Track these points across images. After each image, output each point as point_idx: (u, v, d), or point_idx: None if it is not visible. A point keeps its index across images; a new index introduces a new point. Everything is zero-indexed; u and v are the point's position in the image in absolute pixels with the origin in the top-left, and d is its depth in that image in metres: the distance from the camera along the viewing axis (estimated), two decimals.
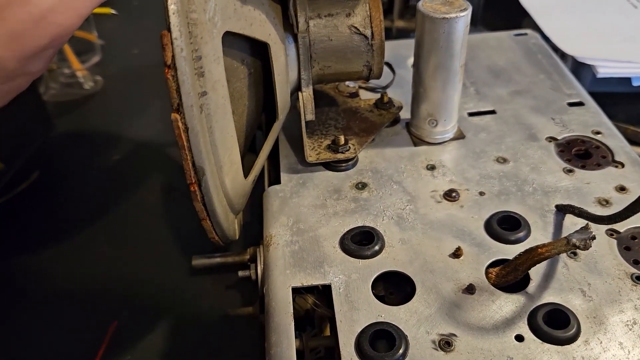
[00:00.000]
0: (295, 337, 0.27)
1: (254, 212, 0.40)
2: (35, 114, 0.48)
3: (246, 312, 0.33)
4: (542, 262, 0.29)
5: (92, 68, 0.60)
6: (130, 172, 0.49)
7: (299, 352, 0.27)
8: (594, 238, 0.27)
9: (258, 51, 0.30)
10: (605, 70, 0.50)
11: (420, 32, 0.34)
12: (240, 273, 0.33)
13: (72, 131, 0.53)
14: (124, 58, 0.63)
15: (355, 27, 0.31)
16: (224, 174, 0.28)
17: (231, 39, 0.27)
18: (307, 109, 0.33)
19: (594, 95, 0.45)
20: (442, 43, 0.33)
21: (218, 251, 0.36)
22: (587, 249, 0.27)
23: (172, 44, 0.22)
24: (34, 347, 0.36)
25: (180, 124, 0.23)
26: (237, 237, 0.34)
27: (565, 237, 0.27)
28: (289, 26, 0.31)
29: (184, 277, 0.39)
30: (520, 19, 0.61)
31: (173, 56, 0.22)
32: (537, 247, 0.27)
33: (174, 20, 0.21)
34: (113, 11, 0.58)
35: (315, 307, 0.30)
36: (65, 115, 0.55)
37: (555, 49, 0.54)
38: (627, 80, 0.52)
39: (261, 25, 0.28)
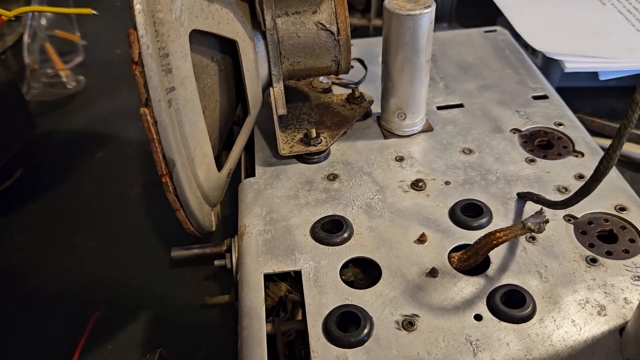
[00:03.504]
0: (268, 322, 0.28)
1: (233, 205, 0.41)
2: (18, 113, 0.49)
3: (222, 300, 0.34)
4: (503, 247, 0.31)
5: (74, 68, 0.61)
6: (112, 169, 0.50)
7: (271, 336, 0.28)
8: (547, 222, 0.28)
9: (227, 49, 0.31)
10: (572, 65, 0.52)
11: (388, 29, 0.35)
12: (217, 262, 0.34)
13: (55, 130, 0.54)
14: (107, 58, 0.64)
15: (322, 24, 0.32)
16: (196, 167, 0.29)
17: (200, 37, 0.29)
18: (279, 104, 0.35)
19: (563, 89, 0.47)
20: (408, 39, 0.35)
21: (196, 243, 0.37)
22: (541, 232, 0.28)
23: (138, 41, 0.23)
24: (17, 337, 0.37)
25: (149, 118, 0.25)
26: (214, 229, 0.35)
27: (521, 222, 0.28)
28: (257, 24, 0.32)
29: (164, 269, 0.40)
30: (495, 17, 0.63)
31: (140, 53, 0.23)
32: (496, 231, 0.29)
33: (139, 19, 0.22)
34: (94, 12, 0.59)
35: (287, 293, 0.31)
36: (48, 114, 0.56)
37: (527, 45, 0.56)
38: (595, 75, 0.53)
39: (229, 24, 0.29)
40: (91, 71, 0.62)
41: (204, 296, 0.38)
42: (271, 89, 0.35)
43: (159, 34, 0.24)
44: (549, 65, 0.55)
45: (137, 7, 0.22)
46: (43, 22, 0.59)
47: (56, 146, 0.53)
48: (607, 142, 0.49)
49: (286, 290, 0.31)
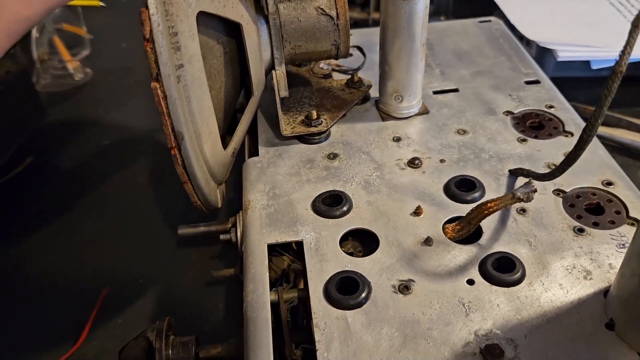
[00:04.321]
0: (272, 291, 0.30)
1: (237, 188, 0.43)
2: (29, 102, 0.51)
3: (227, 273, 0.36)
4: (494, 218, 0.32)
5: (81, 61, 0.63)
6: (119, 156, 0.52)
7: (275, 304, 0.30)
8: (535, 191, 0.30)
9: (232, 33, 0.33)
10: (565, 54, 0.53)
11: (385, 15, 0.37)
12: (222, 237, 0.35)
13: (64, 119, 0.56)
14: (113, 51, 0.66)
15: (322, 9, 0.34)
16: (203, 142, 0.31)
17: (206, 20, 0.30)
18: (281, 86, 0.36)
19: (557, 79, 0.48)
20: (404, 24, 0.36)
21: (203, 222, 0.39)
22: (530, 201, 0.30)
23: (149, 19, 0.25)
24: (28, 313, 0.38)
25: (159, 92, 0.26)
26: (220, 206, 0.36)
27: (511, 192, 0.30)
28: (260, 8, 0.34)
29: (172, 248, 0.42)
30: (491, 11, 0.65)
31: (151, 30, 0.25)
32: (487, 202, 0.31)
33: None
34: (101, 3, 0.61)
35: (291, 262, 0.33)
36: (57, 104, 0.57)
37: (522, 37, 0.57)
38: (588, 65, 0.55)
39: (234, 7, 0.31)
40: (98, 64, 0.63)
41: (210, 274, 0.39)
42: (274, 71, 0.36)
43: (168, 13, 0.26)
44: (543, 56, 0.56)
45: None
46: (51, 16, 0.61)
47: (65, 135, 0.55)
48: (600, 129, 0.51)
49: (289, 261, 0.33)
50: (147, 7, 0.25)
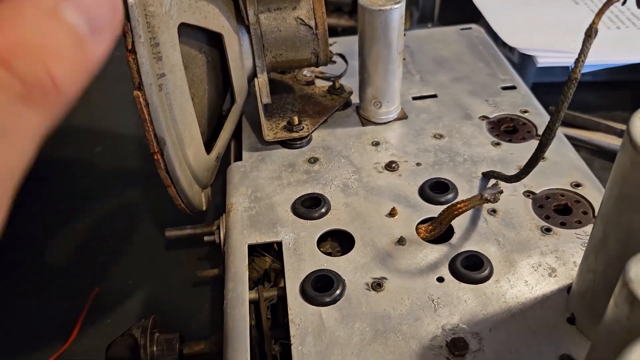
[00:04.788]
0: (253, 290, 0.31)
1: (224, 192, 0.45)
2: None
3: (212, 273, 0.37)
4: (466, 219, 0.34)
5: None
6: (110, 160, 0.53)
7: (255, 302, 0.31)
8: (501, 192, 0.31)
9: (214, 42, 0.34)
10: (544, 60, 0.55)
11: (362, 24, 0.39)
12: (206, 238, 0.37)
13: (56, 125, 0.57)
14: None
15: (301, 19, 0.36)
16: (186, 147, 0.32)
17: (189, 31, 0.32)
18: (263, 93, 0.38)
19: (539, 85, 0.50)
20: (380, 32, 0.38)
21: (191, 224, 0.40)
22: (496, 201, 0.31)
23: (131, 32, 0.26)
24: (20, 312, 0.40)
25: (141, 100, 0.28)
26: (204, 208, 0.38)
27: (480, 193, 0.32)
28: (241, 19, 0.35)
29: (160, 250, 0.43)
30: (478, 18, 0.66)
31: (133, 42, 0.26)
32: (457, 202, 0.32)
33: (132, 12, 0.26)
34: None
35: (272, 263, 0.34)
36: None
37: (505, 44, 0.59)
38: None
39: (215, 18, 0.33)
40: None
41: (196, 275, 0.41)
42: (256, 79, 0.38)
43: (150, 25, 0.27)
44: (524, 63, 0.58)
45: (130, 1, 0.25)
46: None
47: (57, 139, 0.56)
48: (577, 132, 0.52)
49: (271, 262, 0.34)
50: (129, 20, 0.26)
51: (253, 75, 0.38)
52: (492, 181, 0.35)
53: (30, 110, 0.14)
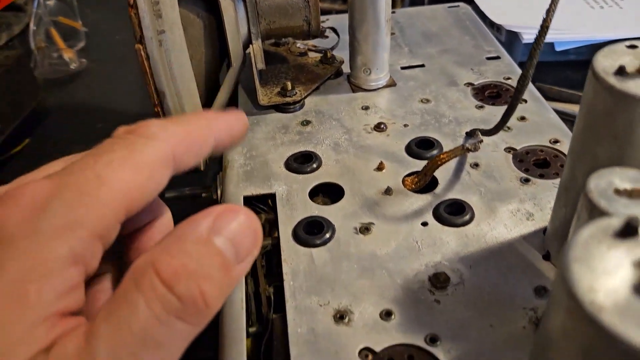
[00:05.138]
0: None
1: (222, 161, 0.46)
2: (27, 87, 0.54)
3: None
4: (449, 171, 0.36)
5: (77, 52, 0.66)
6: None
7: None
8: (481, 141, 0.33)
9: (211, 9, 0.36)
10: (529, 36, 0.57)
11: None
12: (204, 194, 0.39)
13: (60, 104, 0.59)
14: (107, 43, 0.70)
15: None
16: (184, 103, 0.34)
17: None
18: (258, 59, 0.40)
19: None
20: (369, 1, 0.40)
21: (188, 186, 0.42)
22: (477, 150, 0.33)
23: None
24: None
25: (142, 53, 0.30)
26: (202, 169, 0.40)
27: (461, 144, 0.33)
28: None
29: None
30: (467, 0, 0.68)
31: None
32: (440, 154, 0.34)
33: None
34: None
35: (267, 216, 0.36)
36: (53, 89, 0.61)
37: (493, 24, 0.61)
38: (553, 47, 0.59)
39: None
40: (92, 55, 0.67)
41: None
42: (251, 45, 0.40)
43: None
44: (512, 41, 0.60)
45: None
46: (47, 9, 0.65)
47: (61, 118, 0.58)
48: (563, 106, 0.54)
49: (266, 215, 0.36)
50: None
51: (248, 42, 0.40)
52: (474, 132, 0.37)
53: (184, 324, 0.16)
